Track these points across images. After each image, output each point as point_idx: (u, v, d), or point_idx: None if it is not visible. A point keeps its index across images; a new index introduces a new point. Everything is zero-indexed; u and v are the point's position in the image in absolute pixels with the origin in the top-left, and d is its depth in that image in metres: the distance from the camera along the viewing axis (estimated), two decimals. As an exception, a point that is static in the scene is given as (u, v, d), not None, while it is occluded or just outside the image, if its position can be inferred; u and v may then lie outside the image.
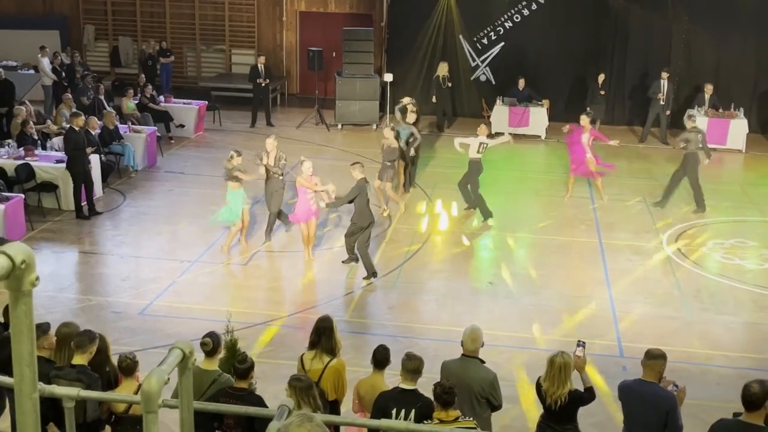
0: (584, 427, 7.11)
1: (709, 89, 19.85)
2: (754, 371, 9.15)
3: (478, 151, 14.28)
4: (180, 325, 10.73)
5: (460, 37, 21.53)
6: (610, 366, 9.73)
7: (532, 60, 21.28)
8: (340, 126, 20.80)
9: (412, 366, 6.51)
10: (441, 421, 6.09)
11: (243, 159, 12.84)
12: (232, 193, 12.72)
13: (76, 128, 14.18)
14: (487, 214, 14.28)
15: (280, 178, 13.00)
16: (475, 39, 21.62)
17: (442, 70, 20.45)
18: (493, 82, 21.75)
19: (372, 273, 12.00)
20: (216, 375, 6.80)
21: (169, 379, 2.79)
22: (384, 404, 6.45)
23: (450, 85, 20.63)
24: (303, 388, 6.12)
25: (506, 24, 21.48)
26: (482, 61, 21.76)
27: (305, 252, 12.64)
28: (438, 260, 13.17)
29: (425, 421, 6.22)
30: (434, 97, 20.34)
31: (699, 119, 19.59)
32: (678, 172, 15.17)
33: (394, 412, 6.37)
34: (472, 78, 21.83)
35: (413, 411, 6.34)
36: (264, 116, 20.70)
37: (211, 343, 6.78)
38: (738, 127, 19.57)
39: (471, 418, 6.41)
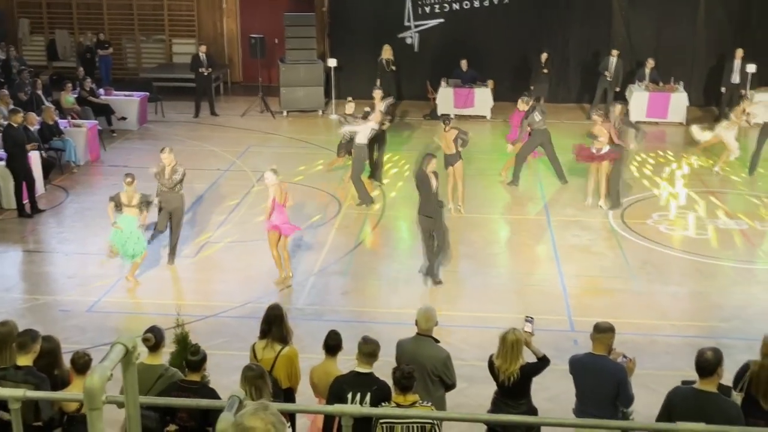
0: (538, 401, 7.20)
1: (650, 64, 20.20)
2: (700, 339, 9.35)
3: (368, 137, 14.30)
4: (129, 321, 10.61)
5: None
6: (562, 340, 9.86)
7: (475, 41, 21.32)
8: (285, 113, 20.65)
9: (368, 350, 6.52)
10: (399, 405, 6.11)
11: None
12: (125, 219, 11.22)
13: (15, 125, 13.87)
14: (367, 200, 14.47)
15: (180, 192, 11.78)
16: (419, 2, 21.61)
17: (386, 53, 20.40)
18: (416, 49, 21.75)
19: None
20: (162, 370, 6.69)
21: (112, 375, 2.74)
22: (339, 388, 6.45)
23: (394, 68, 20.57)
24: (254, 376, 6.09)
25: (453, 5, 21.51)
26: (415, 26, 21.77)
27: (280, 274, 11.55)
28: (389, 244, 13.18)
29: (383, 404, 6.23)
30: (378, 80, 20.27)
31: (639, 93, 19.98)
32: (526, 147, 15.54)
33: (349, 396, 6.37)
34: (399, 35, 21.75)
35: (369, 394, 6.35)
36: (208, 106, 20.46)
37: (153, 338, 6.66)
38: (678, 101, 19.93)
39: (429, 403, 6.44)
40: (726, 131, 16.41)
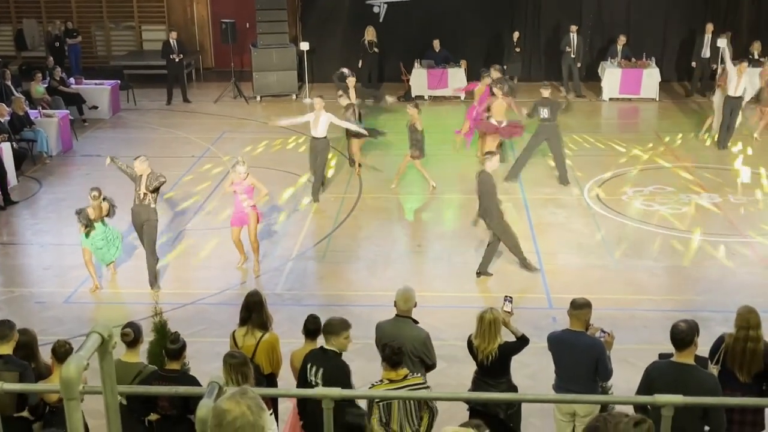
0: (518, 378, 7.25)
1: (621, 40, 20.29)
2: (678, 312, 9.41)
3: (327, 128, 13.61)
4: (107, 310, 10.56)
5: None
6: (540, 318, 9.92)
7: (447, 21, 21.29)
8: (258, 98, 20.54)
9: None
10: (391, 381, 6.18)
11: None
12: (98, 227, 10.82)
13: (-18, 116, 13.74)
14: (315, 197, 13.88)
15: (153, 206, 10.80)
16: None
17: (369, 34, 20.28)
18: (380, 20, 21.43)
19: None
20: (141, 367, 6.65)
21: (89, 364, 2.72)
22: (305, 361, 6.54)
23: (377, 50, 20.43)
24: (239, 364, 6.09)
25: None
26: None
27: (242, 259, 11.54)
28: (366, 227, 13.17)
29: (374, 383, 6.26)
30: (360, 62, 20.19)
31: (612, 70, 20.05)
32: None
33: (308, 367, 6.45)
34: (366, 2, 21.62)
35: (322, 369, 6.37)
36: (180, 93, 20.30)
37: (131, 333, 6.63)
38: (651, 77, 20.04)
39: (419, 374, 6.51)
40: (717, 99, 16.66)
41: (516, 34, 20.25)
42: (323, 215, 13.47)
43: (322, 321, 7.06)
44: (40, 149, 16.07)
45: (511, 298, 7.22)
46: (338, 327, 6.50)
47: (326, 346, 6.50)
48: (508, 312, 7.04)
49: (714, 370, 6.38)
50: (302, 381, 6.49)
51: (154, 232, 10.89)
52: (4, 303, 10.68)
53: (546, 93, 14.30)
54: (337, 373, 6.31)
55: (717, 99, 16.70)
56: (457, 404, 7.44)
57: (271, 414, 6.95)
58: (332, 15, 21.60)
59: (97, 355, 2.78)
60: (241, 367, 6.07)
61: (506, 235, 11.12)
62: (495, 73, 15.63)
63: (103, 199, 10.78)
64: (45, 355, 7.18)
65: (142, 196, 10.70)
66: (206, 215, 13.48)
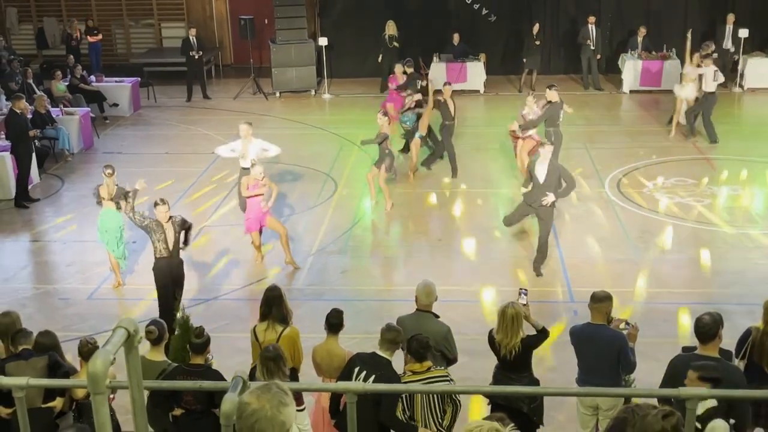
0: (540, 372, 7.23)
1: (642, 32, 20.13)
2: (699, 305, 9.37)
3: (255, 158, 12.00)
4: (130, 307, 10.64)
5: None
6: (562, 311, 9.90)
7: (465, 14, 21.24)
8: (278, 94, 20.57)
9: (390, 336, 6.38)
10: (414, 373, 6.19)
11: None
12: (107, 213, 10.79)
13: (18, 111, 13.91)
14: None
15: (180, 258, 9.59)
16: None
17: (390, 29, 20.24)
18: None
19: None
20: (165, 365, 6.69)
21: (115, 359, 2.75)
22: (353, 362, 6.46)
23: (397, 45, 20.37)
24: (267, 358, 6.09)
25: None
26: None
27: (258, 258, 11.59)
28: (386, 222, 13.18)
29: (399, 374, 6.26)
30: (380, 56, 20.16)
31: (632, 62, 19.92)
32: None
33: (356, 370, 6.35)
34: None
35: (373, 376, 6.29)
36: (200, 89, 20.37)
37: (156, 331, 6.69)
38: (672, 68, 19.87)
39: (442, 367, 6.49)
40: (680, 90, 16.44)
41: (536, 27, 20.14)
42: (343, 211, 13.48)
43: (345, 316, 7.07)
44: (61, 147, 16.19)
45: (526, 290, 7.21)
46: (401, 337, 6.39)
47: (380, 353, 6.34)
48: (524, 305, 7.02)
49: (740, 364, 6.34)
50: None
51: (183, 285, 9.74)
52: (29, 299, 10.79)
53: (555, 97, 13.72)
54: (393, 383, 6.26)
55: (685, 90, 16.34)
56: (477, 399, 7.44)
57: (303, 409, 6.96)
58: (351, 10, 21.57)
59: (123, 350, 2.81)
60: (268, 362, 6.07)
61: (548, 226, 11.02)
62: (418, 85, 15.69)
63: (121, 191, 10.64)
64: (67, 351, 7.26)
65: (171, 246, 9.35)
66: (226, 211, 13.52)
